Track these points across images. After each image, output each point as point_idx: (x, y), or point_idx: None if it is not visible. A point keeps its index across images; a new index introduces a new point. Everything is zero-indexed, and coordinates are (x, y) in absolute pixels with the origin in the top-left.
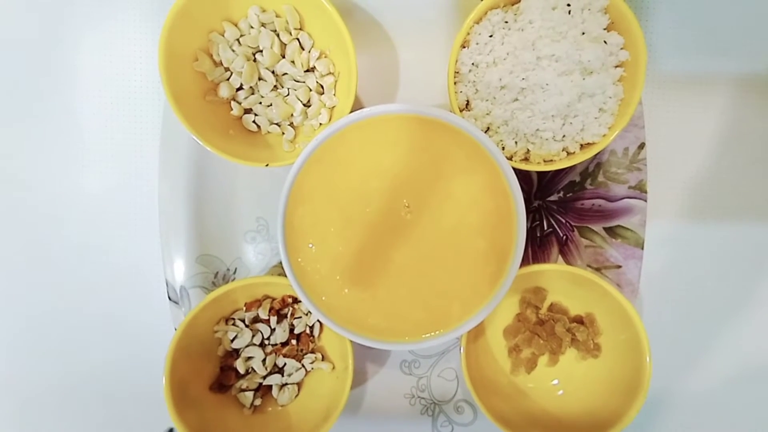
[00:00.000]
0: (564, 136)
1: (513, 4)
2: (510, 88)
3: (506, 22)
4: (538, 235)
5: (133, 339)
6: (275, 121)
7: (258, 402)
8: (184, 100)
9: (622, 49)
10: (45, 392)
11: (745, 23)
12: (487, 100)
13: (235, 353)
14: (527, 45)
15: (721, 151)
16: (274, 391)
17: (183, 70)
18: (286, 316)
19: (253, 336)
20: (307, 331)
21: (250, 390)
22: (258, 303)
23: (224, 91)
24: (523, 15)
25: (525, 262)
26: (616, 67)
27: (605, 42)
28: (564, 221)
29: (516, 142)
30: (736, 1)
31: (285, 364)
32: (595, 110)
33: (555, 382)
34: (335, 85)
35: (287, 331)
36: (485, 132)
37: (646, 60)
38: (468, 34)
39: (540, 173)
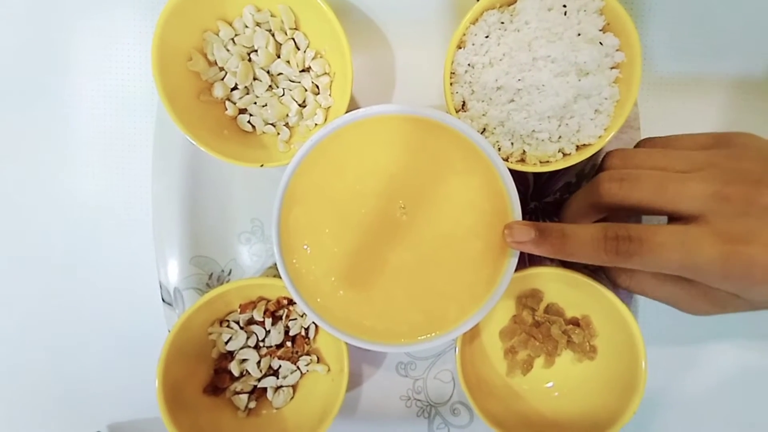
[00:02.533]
0: (560, 137)
1: (509, 5)
2: (506, 89)
3: (502, 22)
4: None
5: (127, 341)
6: (270, 122)
7: (252, 405)
8: (177, 100)
9: (617, 50)
10: (37, 394)
11: (741, 25)
12: (483, 101)
13: (230, 355)
14: (523, 46)
15: None
16: (269, 394)
17: (177, 69)
18: (281, 318)
19: (248, 338)
20: (303, 333)
21: (244, 393)
22: (253, 305)
23: (219, 91)
24: (519, 16)
25: (521, 264)
26: (612, 68)
27: (601, 43)
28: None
29: (512, 143)
30: (733, 3)
31: (280, 366)
32: (590, 111)
33: (551, 384)
34: (331, 86)
35: (282, 333)
36: (481, 133)
37: (641, 61)
38: (464, 34)
39: (536, 174)
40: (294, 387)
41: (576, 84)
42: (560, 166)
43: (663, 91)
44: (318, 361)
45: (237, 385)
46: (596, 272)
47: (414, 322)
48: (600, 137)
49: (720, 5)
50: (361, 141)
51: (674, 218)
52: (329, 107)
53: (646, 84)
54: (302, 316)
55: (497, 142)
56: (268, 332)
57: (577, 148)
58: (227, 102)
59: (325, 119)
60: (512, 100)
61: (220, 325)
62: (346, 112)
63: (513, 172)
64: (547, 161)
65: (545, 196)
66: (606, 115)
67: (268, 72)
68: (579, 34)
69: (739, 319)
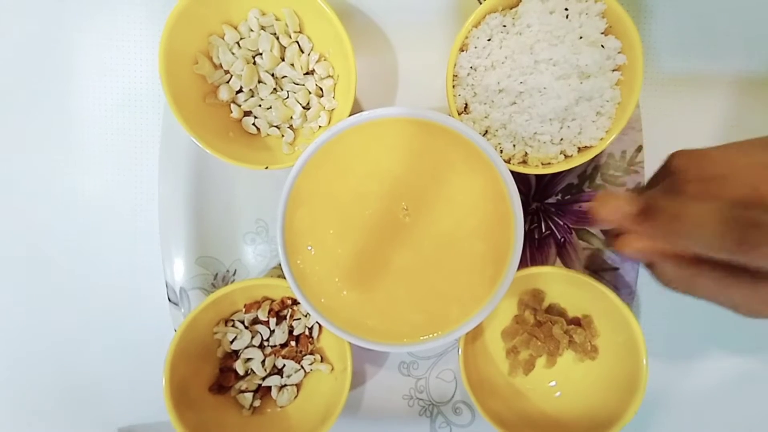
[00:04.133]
0: (562, 139)
1: (511, 8)
2: (508, 91)
3: (504, 26)
4: (536, 237)
5: (133, 340)
6: (275, 124)
7: (257, 403)
8: (184, 103)
9: (619, 52)
10: (43, 394)
11: (742, 25)
12: (485, 104)
13: (235, 355)
14: (525, 49)
15: None
16: (273, 393)
17: (183, 72)
18: (285, 317)
19: (253, 337)
20: (306, 333)
21: (249, 391)
22: (257, 304)
23: (224, 94)
24: (521, 19)
25: (523, 264)
26: (614, 70)
27: (603, 46)
28: (562, 223)
29: (514, 145)
30: (733, 4)
31: (284, 365)
32: (592, 114)
33: (552, 383)
34: (334, 88)
35: (286, 332)
36: (483, 135)
37: (643, 63)
38: (466, 37)
39: (538, 176)
40: (298, 386)
41: (577, 87)
42: (562, 168)
43: (664, 92)
44: (321, 361)
45: (242, 384)
46: (597, 273)
47: (416, 322)
48: (602, 139)
49: (721, 7)
50: (364, 143)
51: None
52: (333, 110)
53: (647, 85)
54: (306, 316)
55: (499, 144)
56: (272, 332)
57: (579, 150)
58: (232, 104)
59: (329, 122)
60: (514, 103)
61: (225, 325)
62: (350, 115)
63: (515, 174)
64: (549, 163)
65: (547, 197)
66: (607, 117)
67: (272, 75)
68: (581, 37)
69: (741, 320)
